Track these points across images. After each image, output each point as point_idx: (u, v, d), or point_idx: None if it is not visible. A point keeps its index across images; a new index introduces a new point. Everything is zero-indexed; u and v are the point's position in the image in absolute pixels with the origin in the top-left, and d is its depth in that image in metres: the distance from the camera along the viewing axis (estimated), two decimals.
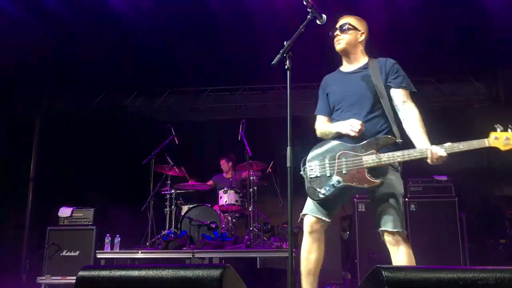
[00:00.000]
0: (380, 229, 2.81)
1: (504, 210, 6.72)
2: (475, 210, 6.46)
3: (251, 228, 6.08)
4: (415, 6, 5.75)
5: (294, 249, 2.56)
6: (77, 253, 5.88)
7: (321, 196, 2.85)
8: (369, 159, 2.77)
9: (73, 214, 6.13)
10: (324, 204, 2.90)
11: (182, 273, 1.87)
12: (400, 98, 2.93)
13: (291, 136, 2.52)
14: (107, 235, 5.85)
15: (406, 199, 5.78)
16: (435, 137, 7.93)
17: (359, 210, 5.69)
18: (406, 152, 2.75)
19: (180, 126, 6.88)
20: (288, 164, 2.44)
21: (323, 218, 2.90)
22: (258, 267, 5.53)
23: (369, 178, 2.76)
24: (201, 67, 7.41)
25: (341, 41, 3.03)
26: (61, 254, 5.88)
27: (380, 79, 2.92)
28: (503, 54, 6.69)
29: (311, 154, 2.98)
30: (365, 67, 3.02)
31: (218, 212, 6.18)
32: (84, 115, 8.06)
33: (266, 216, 6.69)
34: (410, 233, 5.65)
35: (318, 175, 2.90)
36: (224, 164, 7.28)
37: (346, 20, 3.06)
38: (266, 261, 5.62)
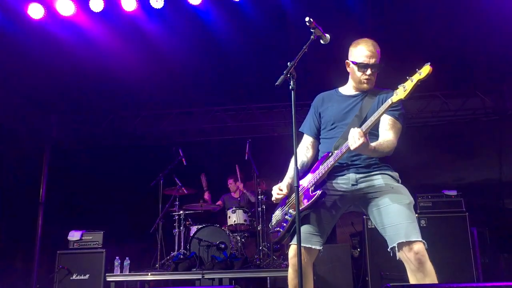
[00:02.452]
0: (399, 241, 2.47)
1: None
2: (487, 225, 6.38)
3: (260, 248, 6.06)
4: (420, 21, 5.79)
5: None
6: (87, 276, 5.86)
7: (279, 234, 2.88)
8: (313, 177, 2.75)
9: (83, 237, 6.14)
10: (313, 232, 2.75)
11: None
12: (385, 125, 2.69)
13: (297, 155, 2.54)
14: (117, 257, 5.84)
15: (416, 215, 5.71)
16: (444, 152, 7.90)
17: (369, 227, 5.64)
18: (335, 152, 2.64)
19: (187, 147, 6.92)
20: (295, 184, 2.45)
21: (313, 247, 2.72)
22: (268, 287, 5.48)
23: (310, 194, 2.69)
24: (207, 88, 7.47)
25: (371, 82, 2.82)
26: (71, 278, 5.86)
27: (376, 107, 2.72)
28: (509, 67, 6.68)
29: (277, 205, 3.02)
30: (365, 93, 2.85)
31: (227, 232, 6.16)
32: (92, 139, 8.13)
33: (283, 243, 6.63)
34: None
35: (279, 218, 2.93)
36: (232, 184, 7.28)
37: (377, 54, 2.78)
38: (276, 281, 5.57)
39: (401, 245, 2.49)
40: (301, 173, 2.91)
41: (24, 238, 7.30)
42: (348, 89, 2.96)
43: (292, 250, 2.74)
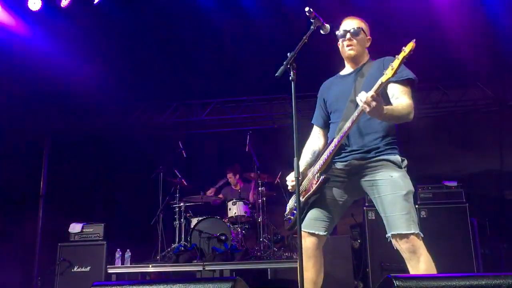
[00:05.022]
0: (391, 233, 2.54)
1: None
2: (487, 215, 6.39)
3: (261, 239, 6.07)
4: (421, 12, 5.76)
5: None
6: (88, 268, 5.88)
7: (290, 222, 2.95)
8: (316, 165, 2.80)
9: (84, 230, 6.14)
10: (319, 218, 2.79)
11: (192, 287, 1.87)
12: (396, 94, 2.65)
13: (297, 146, 2.53)
14: (118, 249, 5.86)
15: (416, 206, 5.74)
16: (444, 142, 7.87)
17: (369, 218, 5.65)
18: (345, 125, 2.63)
19: (187, 139, 6.91)
20: (296, 175, 2.44)
21: (317, 232, 2.76)
22: (269, 278, 5.50)
23: (315, 180, 2.74)
24: (207, 79, 7.44)
25: (354, 48, 2.84)
26: (72, 270, 5.88)
27: (375, 78, 2.65)
28: (510, 58, 6.65)
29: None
30: (362, 67, 2.87)
31: (228, 224, 6.17)
32: (91, 131, 8.12)
33: (276, 226, 6.67)
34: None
35: (291, 206, 3.00)
36: (231, 178, 7.28)
37: (356, 23, 2.86)
38: (277, 272, 5.59)
39: (394, 236, 2.55)
40: (312, 161, 3.00)
41: (25, 230, 7.31)
42: (345, 69, 3.02)
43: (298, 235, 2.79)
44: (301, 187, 2.91)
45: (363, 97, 2.38)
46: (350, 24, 2.87)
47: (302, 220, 2.79)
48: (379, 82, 2.41)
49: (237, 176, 7.25)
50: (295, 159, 2.48)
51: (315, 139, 3.09)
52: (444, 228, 5.57)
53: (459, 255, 5.43)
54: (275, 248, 6.00)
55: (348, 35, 2.83)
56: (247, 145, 6.24)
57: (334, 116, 2.92)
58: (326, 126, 3.04)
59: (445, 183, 5.89)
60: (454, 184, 5.86)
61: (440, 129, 7.59)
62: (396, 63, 2.35)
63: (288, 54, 2.55)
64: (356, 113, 2.54)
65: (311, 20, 2.68)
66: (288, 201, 3.10)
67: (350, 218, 6.46)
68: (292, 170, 2.90)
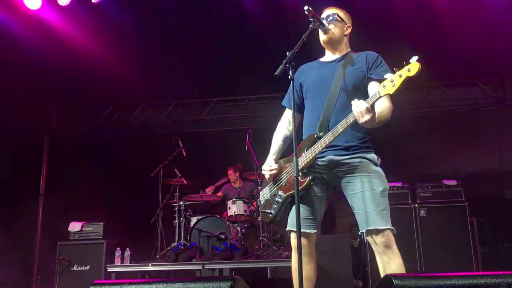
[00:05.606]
0: (368, 228, 2.56)
1: None
2: (486, 214, 6.39)
3: (260, 238, 6.07)
4: (421, 11, 5.76)
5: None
6: (87, 267, 5.90)
7: (270, 216, 2.88)
8: (300, 161, 2.71)
9: (83, 229, 6.16)
10: (306, 216, 2.75)
11: (191, 286, 1.87)
12: (376, 92, 2.59)
13: (296, 145, 2.54)
14: (117, 248, 5.86)
15: (416, 205, 5.75)
16: (444, 142, 7.85)
17: None
18: (335, 129, 2.58)
19: (187, 138, 6.91)
20: (295, 174, 2.44)
21: (307, 231, 2.74)
22: (268, 277, 5.50)
23: (300, 179, 2.66)
24: (206, 78, 7.44)
25: (328, 31, 2.81)
26: (72, 269, 5.90)
27: (357, 71, 2.74)
28: (510, 56, 6.65)
29: (263, 182, 3.04)
30: (344, 57, 2.85)
31: (227, 222, 6.18)
32: (91, 130, 8.12)
33: (275, 225, 6.66)
34: (421, 239, 5.62)
35: (268, 197, 2.95)
36: (232, 174, 7.29)
37: (333, 11, 2.86)
38: (276, 271, 5.59)
39: (369, 232, 2.59)
40: (284, 147, 3.02)
41: (25, 229, 7.32)
42: (325, 56, 2.99)
43: (291, 235, 2.79)
44: (278, 179, 2.90)
45: (357, 108, 2.39)
46: (326, 13, 2.87)
47: (279, 215, 2.83)
48: (376, 95, 2.40)
49: (238, 174, 7.26)
50: (294, 158, 2.48)
51: (286, 124, 3.05)
52: (443, 227, 5.58)
53: (459, 254, 5.44)
54: (274, 247, 6.00)
55: (323, 21, 2.81)
56: (247, 144, 6.24)
57: (308, 103, 2.90)
58: (298, 110, 2.99)
59: (444, 182, 5.89)
60: (453, 183, 5.87)
61: (439, 128, 7.58)
62: (398, 81, 2.30)
63: (287, 53, 2.54)
64: (350, 120, 2.51)
65: (310, 19, 2.68)
66: (263, 189, 3.03)
67: (349, 217, 6.46)
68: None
